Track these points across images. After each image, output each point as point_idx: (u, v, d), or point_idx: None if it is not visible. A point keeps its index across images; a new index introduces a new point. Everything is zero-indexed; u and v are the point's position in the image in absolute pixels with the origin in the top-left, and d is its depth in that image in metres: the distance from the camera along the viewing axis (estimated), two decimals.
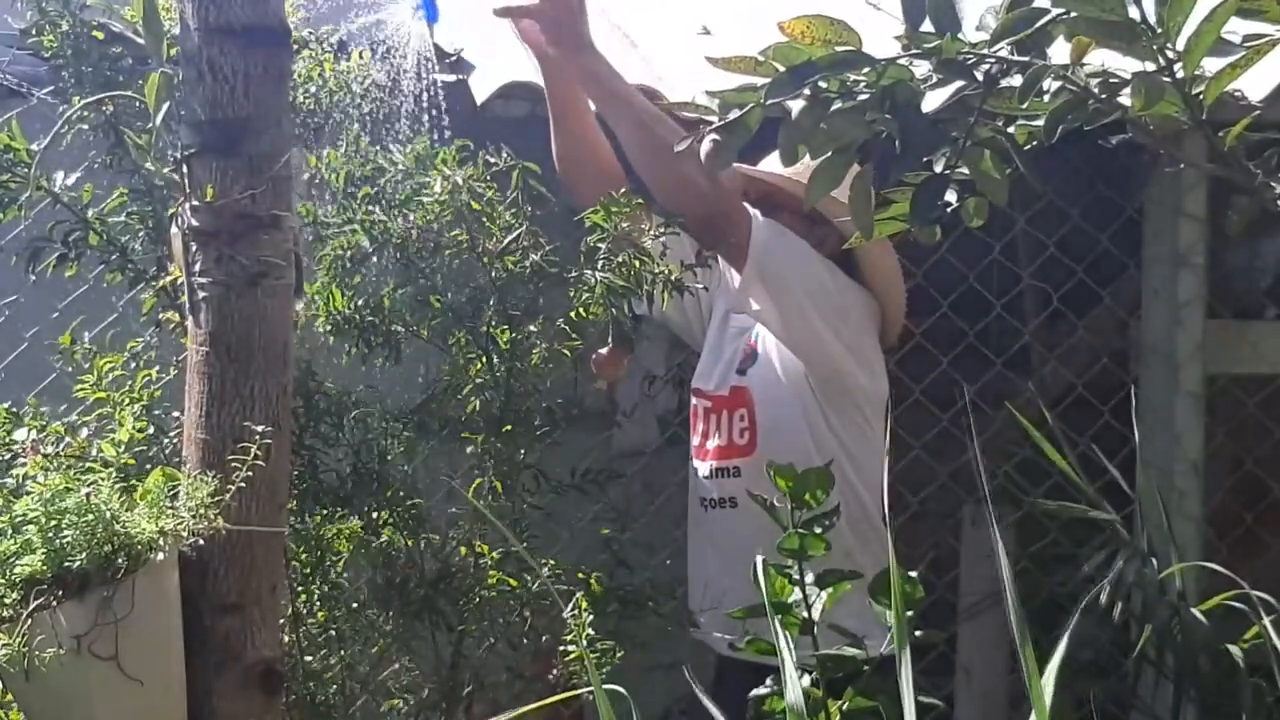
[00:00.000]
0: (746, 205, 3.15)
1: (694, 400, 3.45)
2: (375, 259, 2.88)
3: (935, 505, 4.39)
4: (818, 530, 2.33)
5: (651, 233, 2.82)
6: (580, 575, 2.92)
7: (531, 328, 2.89)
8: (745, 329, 3.37)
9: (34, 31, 2.89)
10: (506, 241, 2.83)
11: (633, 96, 3.08)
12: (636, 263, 2.79)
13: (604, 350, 3.16)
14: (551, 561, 2.90)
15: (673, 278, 2.82)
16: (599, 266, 2.79)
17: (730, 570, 3.03)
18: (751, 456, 3.19)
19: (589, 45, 3.06)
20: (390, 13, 3.05)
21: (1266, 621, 2.82)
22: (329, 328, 2.90)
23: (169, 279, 2.71)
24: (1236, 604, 3.03)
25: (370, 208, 2.83)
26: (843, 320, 3.23)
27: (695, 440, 3.41)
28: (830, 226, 3.17)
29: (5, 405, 2.71)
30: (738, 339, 3.39)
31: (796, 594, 2.33)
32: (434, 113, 3.05)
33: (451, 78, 3.90)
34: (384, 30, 3.03)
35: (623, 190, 2.82)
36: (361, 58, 3.01)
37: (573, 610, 2.52)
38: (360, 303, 2.90)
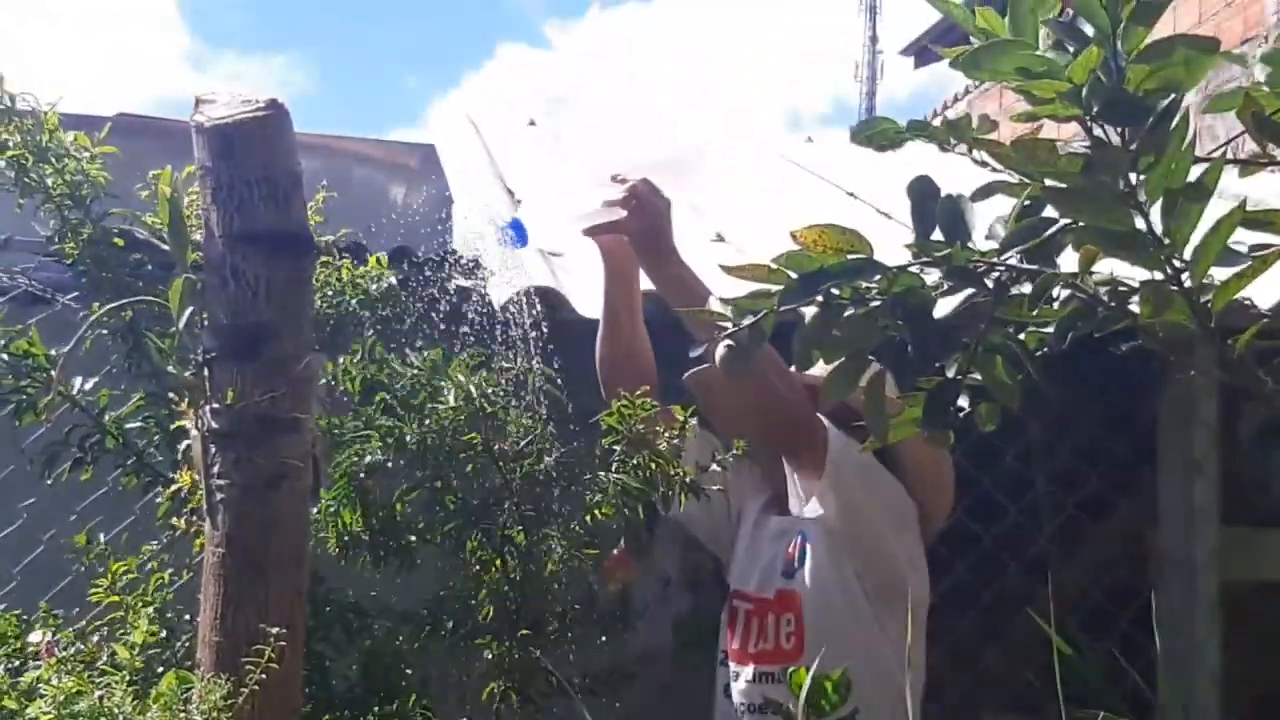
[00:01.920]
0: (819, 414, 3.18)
1: (734, 602, 3.41)
2: (389, 464, 2.90)
3: (956, 712, 4.34)
4: None
5: (667, 435, 2.83)
6: None
7: (548, 531, 2.90)
8: (786, 531, 3.35)
9: (57, 239, 2.94)
10: (523, 444, 2.85)
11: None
12: (653, 465, 2.79)
13: (617, 552, 3.16)
14: None
15: (689, 480, 2.82)
16: (614, 468, 2.80)
17: None
18: (799, 661, 3.16)
19: (674, 251, 3.13)
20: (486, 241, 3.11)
21: None
22: (339, 548, 2.90)
23: (178, 485, 2.72)
24: None
25: (386, 414, 2.86)
26: (904, 526, 3.26)
27: (734, 644, 3.36)
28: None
29: (19, 610, 2.71)
30: (778, 541, 3.36)
31: None
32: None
33: (468, 283, 3.96)
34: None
35: (639, 392, 2.85)
36: (379, 263, 3.06)
37: None
38: (371, 516, 2.91)
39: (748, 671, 3.30)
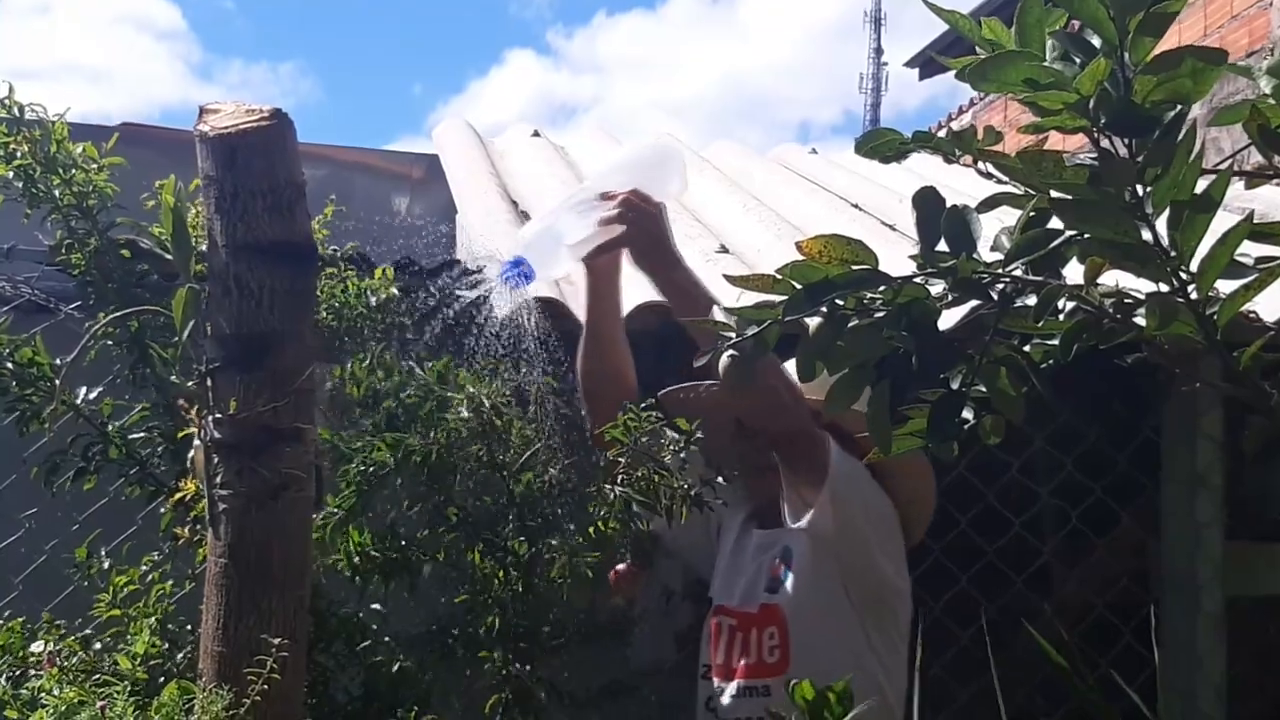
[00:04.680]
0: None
1: (716, 618, 3.40)
2: (396, 478, 2.89)
3: None
4: None
5: (670, 448, 2.83)
6: None
7: (551, 542, 2.89)
8: (770, 545, 3.34)
9: (62, 249, 2.94)
10: (525, 456, 2.85)
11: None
12: (655, 477, 2.79)
13: (621, 566, 3.15)
14: None
15: (691, 493, 2.82)
16: (618, 481, 2.80)
17: None
18: (783, 675, 3.16)
19: (677, 256, 3.13)
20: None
21: None
22: (349, 571, 2.90)
23: (180, 494, 2.72)
24: None
25: (391, 424, 2.86)
26: (892, 540, 3.27)
27: (717, 659, 3.35)
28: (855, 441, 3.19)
29: (22, 619, 2.70)
30: (761, 555, 3.36)
31: None
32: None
33: (472, 294, 3.96)
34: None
35: (644, 404, 2.84)
36: (384, 275, 3.06)
37: None
38: (380, 536, 2.91)
39: (732, 686, 3.29)
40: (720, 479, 2.96)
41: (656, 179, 3.15)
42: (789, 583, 3.27)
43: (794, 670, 3.13)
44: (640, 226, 3.09)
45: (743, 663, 3.28)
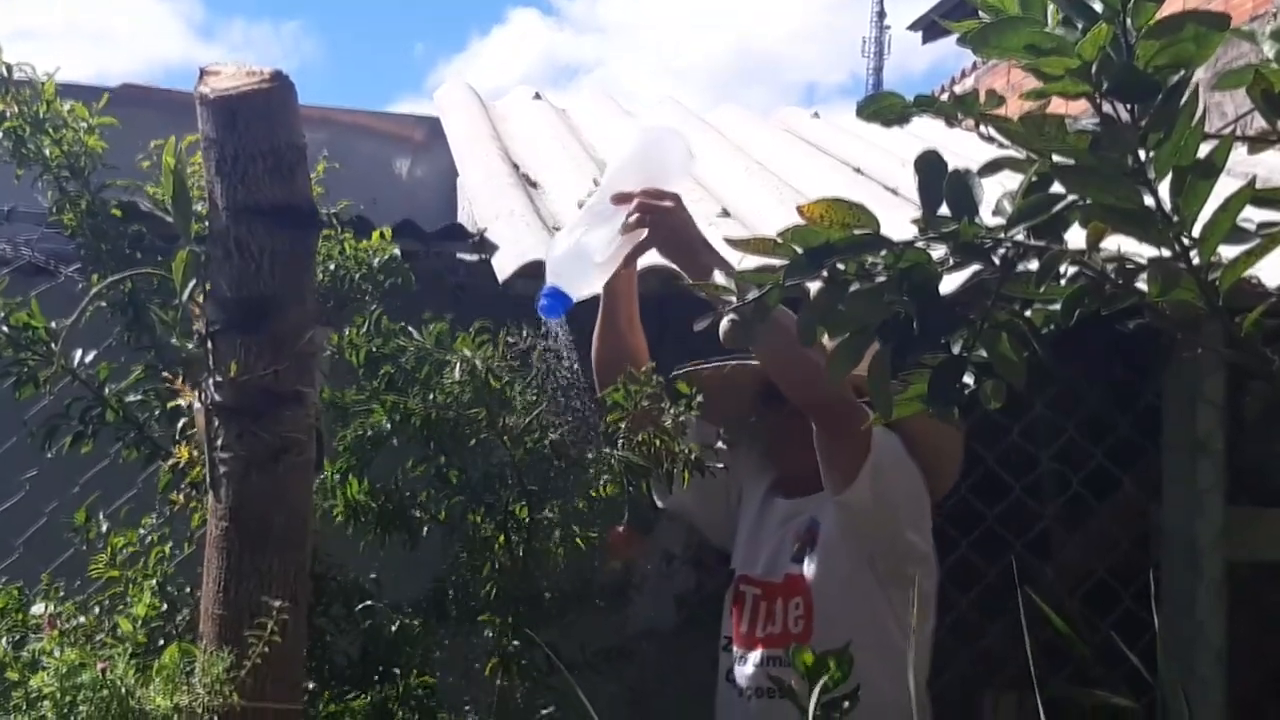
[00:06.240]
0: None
1: (740, 587, 3.40)
2: (394, 440, 2.89)
3: (954, 690, 4.34)
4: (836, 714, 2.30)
5: (671, 412, 2.82)
6: None
7: (549, 512, 2.89)
8: (793, 515, 3.35)
9: (55, 211, 2.93)
10: (527, 421, 2.84)
11: None
12: (657, 441, 2.78)
13: (620, 529, 3.15)
14: None
15: (693, 457, 2.81)
16: (618, 445, 2.79)
17: None
18: (808, 644, 3.16)
19: (704, 244, 3.07)
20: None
21: None
22: (345, 517, 2.90)
23: (177, 458, 2.71)
24: None
25: (390, 387, 2.86)
26: (923, 513, 3.29)
27: (740, 629, 3.36)
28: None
29: (21, 582, 2.71)
30: (784, 525, 3.36)
31: None
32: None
33: (473, 257, 3.96)
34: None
35: (644, 369, 2.83)
36: (383, 237, 3.05)
37: None
38: (378, 488, 2.91)
39: (755, 656, 3.30)
40: (722, 444, 2.95)
41: (663, 166, 3.12)
42: (816, 554, 3.26)
43: (817, 640, 3.11)
44: (662, 224, 3.05)
45: (767, 632, 3.29)
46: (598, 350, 3.26)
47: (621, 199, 3.05)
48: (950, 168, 1.72)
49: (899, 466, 3.22)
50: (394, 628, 2.91)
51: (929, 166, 1.73)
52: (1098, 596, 4.37)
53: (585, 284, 3.02)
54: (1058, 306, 1.79)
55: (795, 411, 3.17)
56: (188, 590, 2.73)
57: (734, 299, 1.77)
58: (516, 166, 5.21)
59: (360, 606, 2.92)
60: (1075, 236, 1.73)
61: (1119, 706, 3.26)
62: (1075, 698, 3.50)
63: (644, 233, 3.04)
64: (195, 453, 2.60)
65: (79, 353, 2.84)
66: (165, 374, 2.74)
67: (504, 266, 3.81)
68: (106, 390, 2.88)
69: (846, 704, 2.33)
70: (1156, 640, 3.43)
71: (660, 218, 3.04)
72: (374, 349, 2.89)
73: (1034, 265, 1.73)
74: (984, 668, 4.33)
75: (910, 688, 3.14)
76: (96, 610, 2.69)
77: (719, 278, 2.98)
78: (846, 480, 3.13)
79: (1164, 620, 3.43)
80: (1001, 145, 1.71)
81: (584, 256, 3.03)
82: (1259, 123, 1.74)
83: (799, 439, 3.20)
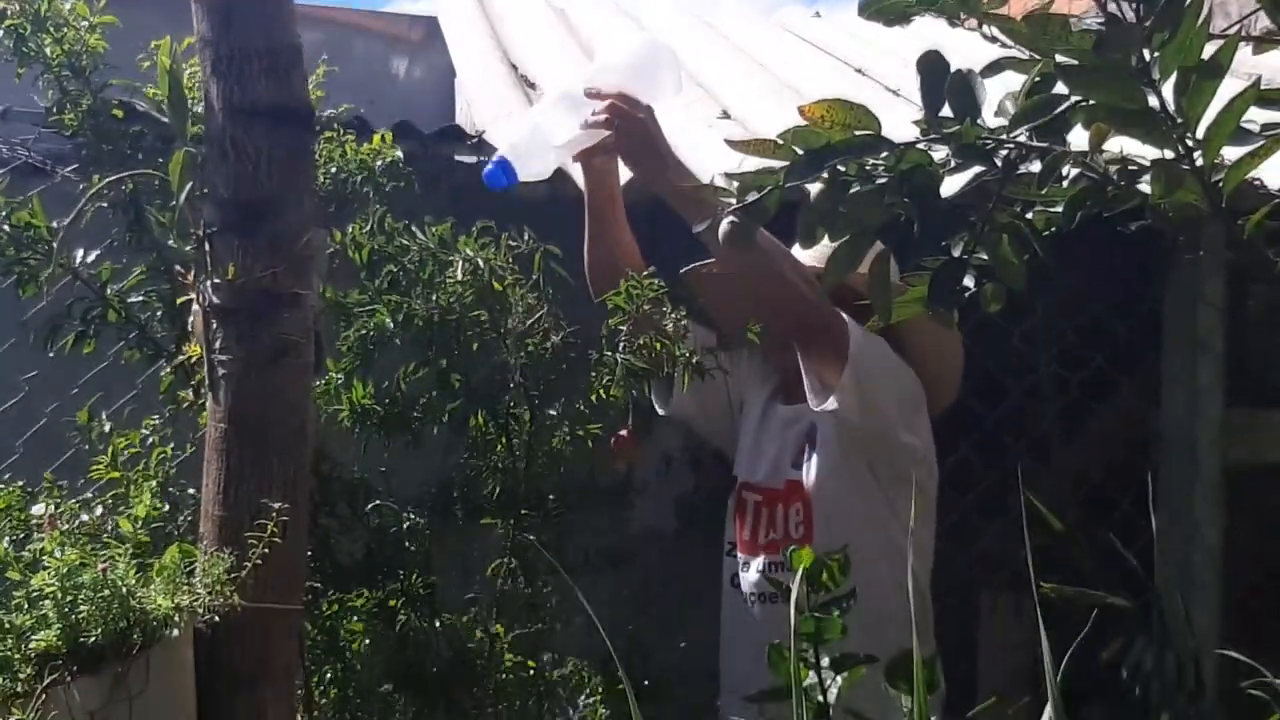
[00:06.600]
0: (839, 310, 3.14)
1: (742, 493, 3.42)
2: (398, 340, 2.89)
3: (952, 591, 4.37)
4: (835, 614, 2.31)
5: (672, 316, 2.81)
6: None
7: (551, 411, 2.89)
8: (793, 421, 3.35)
9: (55, 110, 2.91)
10: (529, 323, 2.83)
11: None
12: (658, 345, 2.77)
13: (623, 432, 3.15)
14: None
15: (694, 361, 2.80)
16: (620, 348, 2.79)
17: None
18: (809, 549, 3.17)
19: (671, 159, 3.06)
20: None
21: None
22: (350, 420, 2.90)
23: (184, 357, 2.72)
24: (1257, 692, 3.00)
25: (393, 288, 2.85)
26: (917, 414, 3.28)
27: (743, 535, 3.38)
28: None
29: (22, 482, 2.71)
30: (785, 431, 3.37)
31: (812, 678, 2.30)
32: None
33: (472, 159, 3.94)
34: None
35: (645, 273, 2.82)
36: (384, 140, 3.03)
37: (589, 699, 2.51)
38: (384, 387, 2.91)
39: (758, 561, 3.32)
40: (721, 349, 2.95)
41: (648, 80, 3.10)
42: (815, 459, 3.27)
43: (819, 543, 3.11)
44: (627, 132, 3.03)
45: (769, 538, 3.31)
46: (590, 253, 3.25)
47: (596, 95, 3.03)
48: (953, 68, 1.70)
49: (886, 369, 3.21)
50: (403, 526, 2.92)
51: (931, 67, 1.71)
52: (1096, 500, 4.38)
53: (536, 165, 3.04)
54: (1059, 208, 1.78)
55: (787, 328, 3.17)
56: (189, 491, 2.74)
57: (733, 200, 1.77)
58: (515, 67, 5.17)
59: (370, 506, 2.93)
60: (1078, 138, 1.71)
61: (1116, 606, 3.28)
62: (1072, 599, 3.53)
63: (605, 134, 3.03)
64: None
65: (80, 252, 2.82)
66: (179, 268, 2.73)
67: (502, 139, 3.78)
68: (108, 290, 2.87)
69: (846, 604, 2.33)
70: (1154, 543, 3.46)
71: (627, 125, 3.02)
72: (377, 247, 2.88)
73: (1036, 167, 1.72)
74: (982, 570, 4.35)
75: (910, 589, 3.17)
76: (99, 510, 2.69)
77: (685, 194, 2.97)
78: (827, 389, 3.13)
79: (1161, 522, 3.44)
80: (1004, 45, 1.69)
81: (543, 138, 3.03)
82: (1264, 22, 1.72)
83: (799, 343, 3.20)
